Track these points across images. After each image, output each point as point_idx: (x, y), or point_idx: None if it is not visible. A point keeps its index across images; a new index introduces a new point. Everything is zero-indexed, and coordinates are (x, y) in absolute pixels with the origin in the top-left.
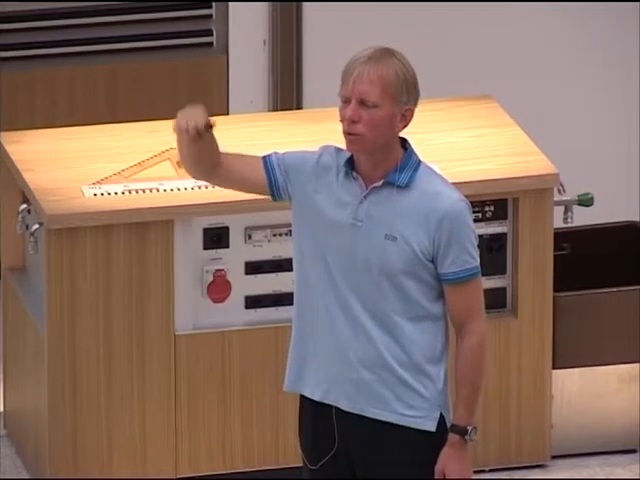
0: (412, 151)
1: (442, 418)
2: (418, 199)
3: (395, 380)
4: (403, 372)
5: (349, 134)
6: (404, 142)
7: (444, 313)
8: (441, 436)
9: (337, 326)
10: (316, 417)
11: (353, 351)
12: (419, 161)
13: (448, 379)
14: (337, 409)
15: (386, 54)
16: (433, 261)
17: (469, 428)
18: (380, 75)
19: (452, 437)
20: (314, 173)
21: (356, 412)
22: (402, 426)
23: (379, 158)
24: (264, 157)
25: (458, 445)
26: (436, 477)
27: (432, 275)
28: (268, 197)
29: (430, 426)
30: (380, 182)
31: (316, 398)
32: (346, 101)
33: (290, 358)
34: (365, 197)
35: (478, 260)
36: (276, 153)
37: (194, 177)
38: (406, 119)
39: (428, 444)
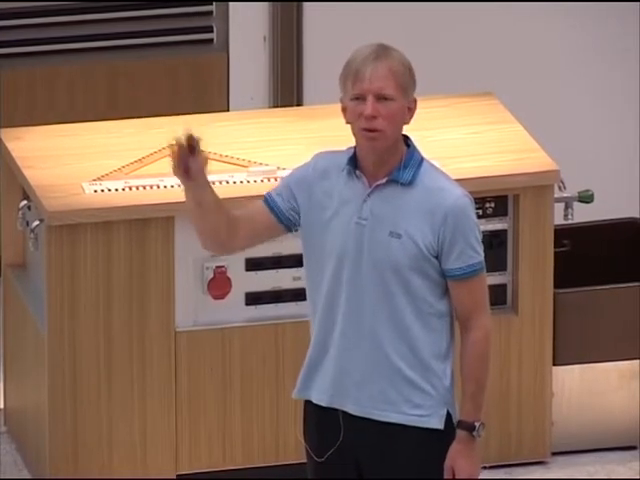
0: (415, 148)
1: (449, 415)
2: (422, 196)
3: (402, 381)
4: (410, 372)
5: (370, 130)
6: (406, 139)
7: (449, 309)
8: (449, 433)
9: (344, 328)
10: (322, 422)
11: (359, 353)
12: (422, 158)
13: (454, 376)
14: (344, 413)
15: (387, 49)
16: (438, 257)
17: (477, 424)
18: (392, 69)
19: (460, 433)
20: (314, 181)
21: (363, 415)
22: (410, 426)
23: (386, 155)
24: (264, 198)
25: (466, 441)
26: (445, 475)
27: (437, 271)
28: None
29: (437, 424)
30: (384, 180)
31: (323, 404)
32: (358, 99)
33: (304, 365)
34: (369, 195)
35: (482, 255)
36: (273, 189)
37: (219, 251)
38: (412, 111)
39: (437, 442)
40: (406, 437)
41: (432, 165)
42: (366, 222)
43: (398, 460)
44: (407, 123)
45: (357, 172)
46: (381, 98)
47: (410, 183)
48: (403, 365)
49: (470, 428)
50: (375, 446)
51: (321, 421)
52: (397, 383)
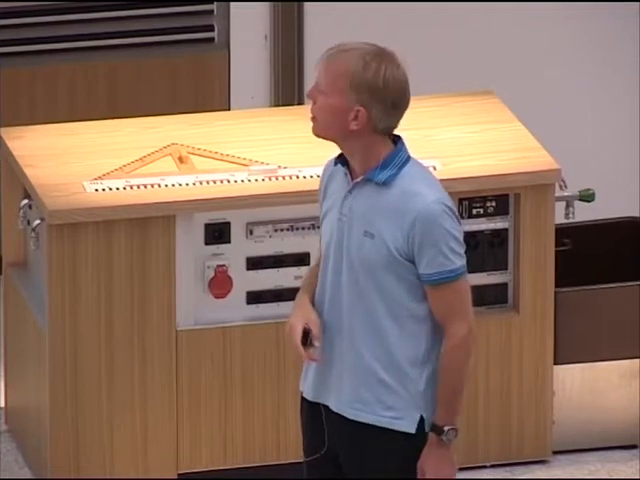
0: (401, 149)
1: (423, 420)
2: (397, 198)
3: (375, 381)
4: (383, 373)
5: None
6: (398, 139)
7: (429, 314)
8: (421, 437)
9: (327, 322)
10: (310, 416)
11: (338, 350)
12: (407, 160)
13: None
14: (326, 408)
15: (358, 50)
16: (414, 261)
17: (446, 428)
18: (335, 65)
19: (431, 436)
20: (326, 192)
21: (340, 412)
22: (382, 427)
23: (349, 151)
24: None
25: (436, 444)
26: (418, 475)
27: (414, 275)
28: (270, 192)
29: (408, 427)
30: (360, 178)
31: (309, 397)
32: None
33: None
34: (350, 192)
35: (459, 262)
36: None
37: None
38: (358, 119)
39: (408, 445)
40: (377, 437)
41: (418, 167)
42: (345, 219)
43: (368, 460)
44: (351, 129)
45: (344, 169)
46: (318, 88)
47: (385, 184)
48: (377, 366)
49: (439, 432)
50: (350, 444)
51: (309, 415)
52: (370, 383)
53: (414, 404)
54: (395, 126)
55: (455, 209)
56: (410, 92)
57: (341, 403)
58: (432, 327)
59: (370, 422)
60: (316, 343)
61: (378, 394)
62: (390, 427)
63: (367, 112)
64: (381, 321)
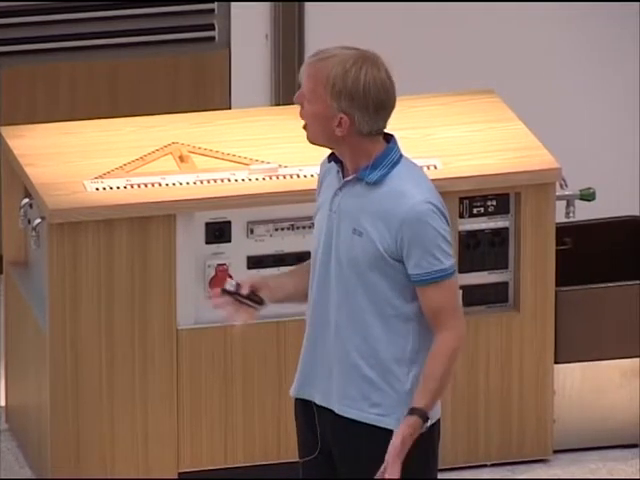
0: (393, 148)
1: None
2: (385, 197)
3: (360, 378)
4: (369, 371)
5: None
6: (390, 138)
7: (417, 314)
8: None
9: (314, 321)
10: (302, 415)
11: (324, 346)
12: (398, 159)
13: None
14: (315, 404)
15: (338, 57)
16: (402, 261)
17: (429, 418)
18: (316, 72)
19: (416, 420)
20: (322, 185)
21: (327, 406)
22: (367, 423)
23: (340, 153)
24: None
25: (418, 428)
26: (392, 449)
27: (402, 274)
28: (270, 191)
29: (393, 424)
30: (351, 176)
31: (292, 394)
32: None
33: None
34: (340, 189)
35: (448, 262)
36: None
37: None
38: (342, 126)
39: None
40: (364, 434)
41: (409, 167)
42: (335, 216)
43: (355, 456)
44: (337, 135)
45: (337, 166)
46: (302, 94)
47: (375, 183)
48: (362, 363)
49: (425, 419)
50: (339, 439)
51: (303, 415)
52: (355, 380)
53: (400, 402)
54: (383, 127)
55: (444, 209)
56: (395, 92)
57: (330, 398)
58: (419, 327)
59: (356, 418)
60: (227, 286)
61: (363, 391)
62: (375, 424)
63: (350, 119)
64: (366, 318)
